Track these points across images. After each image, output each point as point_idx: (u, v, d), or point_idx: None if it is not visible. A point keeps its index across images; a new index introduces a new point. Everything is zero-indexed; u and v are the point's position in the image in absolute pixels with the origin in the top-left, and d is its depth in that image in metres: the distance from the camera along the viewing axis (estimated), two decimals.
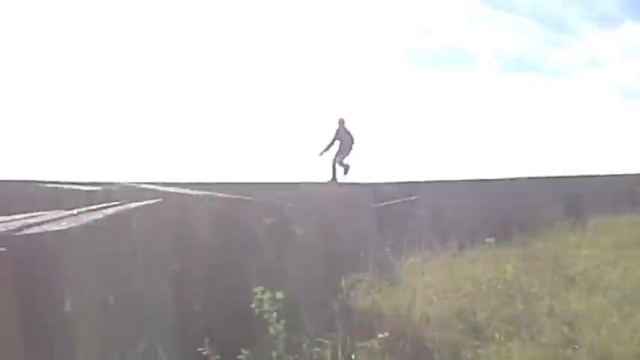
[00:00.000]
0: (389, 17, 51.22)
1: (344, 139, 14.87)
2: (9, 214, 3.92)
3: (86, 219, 3.26)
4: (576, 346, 5.40)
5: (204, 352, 3.88)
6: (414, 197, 12.38)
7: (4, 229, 2.90)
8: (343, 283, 6.50)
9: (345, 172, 14.94)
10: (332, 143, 14.72)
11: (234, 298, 4.76)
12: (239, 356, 4.08)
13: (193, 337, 4.18)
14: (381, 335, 4.46)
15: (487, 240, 9.09)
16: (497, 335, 5.61)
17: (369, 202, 10.89)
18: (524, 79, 50.62)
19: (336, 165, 14.68)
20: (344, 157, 14.77)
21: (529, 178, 17.88)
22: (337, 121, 15.00)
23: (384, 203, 11.42)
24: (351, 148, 14.86)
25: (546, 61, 52.15)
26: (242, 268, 5.04)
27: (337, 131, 14.89)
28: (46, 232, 2.77)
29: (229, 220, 5.07)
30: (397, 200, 11.92)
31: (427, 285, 6.87)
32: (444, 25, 50.61)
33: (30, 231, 2.87)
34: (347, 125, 15.08)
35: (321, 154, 14.57)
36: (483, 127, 46.55)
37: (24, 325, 2.54)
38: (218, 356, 3.94)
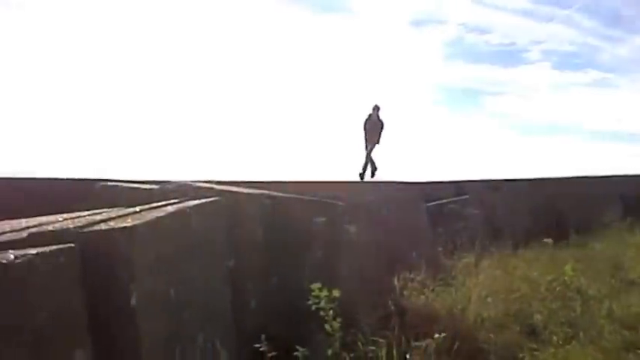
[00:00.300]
0: (439, 13, 50.56)
1: (374, 128, 14.63)
2: (72, 212, 4.08)
3: (149, 216, 3.35)
4: (639, 350, 5.23)
5: (262, 349, 3.92)
6: (465, 196, 12.21)
7: (72, 226, 3.02)
8: (396, 282, 6.48)
9: (373, 174, 14.76)
10: (367, 134, 14.59)
11: (288, 296, 4.80)
12: (295, 353, 4.11)
13: (250, 333, 4.24)
14: (437, 335, 4.43)
15: (545, 240, 8.87)
16: (554, 338, 5.48)
17: (420, 201, 10.78)
18: (576, 76, 49.18)
19: (370, 158, 14.59)
20: (373, 148, 14.58)
21: (586, 177, 17.38)
22: (372, 107, 14.76)
23: (436, 202, 11.30)
24: (380, 136, 14.65)
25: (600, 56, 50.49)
26: (296, 265, 5.08)
27: (371, 119, 14.66)
28: (113, 228, 2.86)
29: (283, 217, 5.10)
30: (448, 199, 11.78)
31: (481, 285, 6.76)
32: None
33: (97, 228, 2.98)
34: (380, 113, 14.87)
35: (367, 150, 14.63)
36: (537, 125, 45.42)
37: (91, 318, 2.63)
38: (274, 353, 3.97)
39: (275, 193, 5.80)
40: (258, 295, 4.73)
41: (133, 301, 2.78)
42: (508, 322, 5.95)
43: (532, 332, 5.79)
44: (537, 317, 6.03)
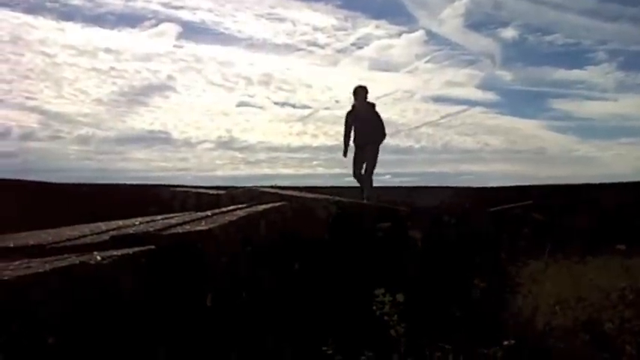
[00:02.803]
0: (499, 15, 49.60)
1: (365, 124, 9.42)
2: (145, 216, 4.25)
3: (221, 220, 3.46)
4: None
5: (329, 352, 3.96)
6: (529, 201, 11.93)
7: (151, 229, 3.15)
8: (460, 288, 6.40)
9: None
10: (358, 135, 9.43)
11: (352, 299, 4.82)
12: (361, 357, 4.13)
13: (315, 336, 4.29)
14: (506, 342, 4.35)
15: (618, 247, 8.54)
16: (628, 348, 5.28)
17: (483, 206, 10.61)
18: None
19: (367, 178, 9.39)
20: (372, 160, 9.37)
21: None
22: (355, 92, 9.63)
23: (499, 208, 11.09)
24: (381, 137, 9.49)
25: None
26: (360, 269, 5.10)
27: (358, 111, 9.49)
28: (189, 231, 2.97)
29: (347, 222, 5.15)
30: (512, 204, 11.54)
31: (549, 293, 6.60)
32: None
33: (173, 230, 3.10)
34: (370, 99, 9.64)
35: (345, 153, 9.54)
36: (602, 128, 43.81)
37: (171, 317, 2.74)
38: (340, 356, 4.00)
39: (339, 199, 5.86)
40: (323, 298, 4.78)
41: (209, 302, 2.88)
42: (577, 330, 5.77)
43: (603, 342, 5.59)
44: (609, 326, 5.82)
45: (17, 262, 2.47)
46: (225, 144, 38.33)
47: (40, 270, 2.04)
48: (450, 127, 42.46)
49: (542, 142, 41.43)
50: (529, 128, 43.83)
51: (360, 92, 9.67)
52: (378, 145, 9.55)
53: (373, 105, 9.76)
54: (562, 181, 14.94)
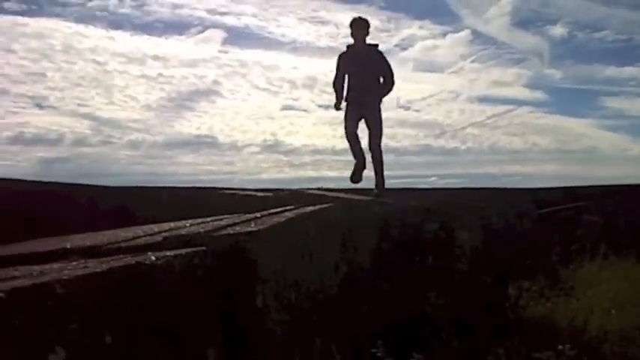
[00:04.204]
0: (547, 12, 48.50)
1: (365, 66, 7.19)
2: (194, 218, 4.31)
3: (270, 222, 3.48)
4: None
5: (378, 354, 3.93)
6: (581, 203, 11.60)
7: (202, 230, 3.19)
8: (511, 291, 6.27)
9: (362, 167, 6.99)
10: (353, 83, 7.22)
11: (401, 301, 4.78)
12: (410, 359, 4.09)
13: (364, 338, 4.27)
14: (560, 347, 4.23)
15: None
16: None
17: (532, 207, 10.38)
18: None
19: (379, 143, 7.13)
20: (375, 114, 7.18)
21: None
22: (351, 24, 7.28)
23: (549, 209, 10.82)
24: (388, 86, 7.27)
25: None
26: (409, 271, 5.05)
27: (354, 52, 7.28)
28: (240, 232, 3.00)
29: (395, 223, 5.11)
30: (563, 206, 11.24)
31: (604, 296, 6.39)
32: None
33: (224, 232, 3.13)
34: (370, 40, 7.38)
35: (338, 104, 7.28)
36: None
37: (221, 317, 2.77)
38: (390, 359, 3.97)
39: (386, 200, 5.82)
40: (371, 300, 4.75)
41: (259, 302, 2.89)
42: (635, 336, 5.57)
43: None
44: None
45: (74, 263, 2.54)
46: (271, 147, 38.67)
47: (98, 270, 2.08)
48: (496, 127, 41.82)
49: (593, 141, 40.37)
50: (579, 127, 42.78)
51: (358, 26, 7.15)
52: (380, 100, 7.18)
53: (376, 46, 7.33)
54: (614, 182, 14.47)
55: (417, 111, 41.11)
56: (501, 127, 41.86)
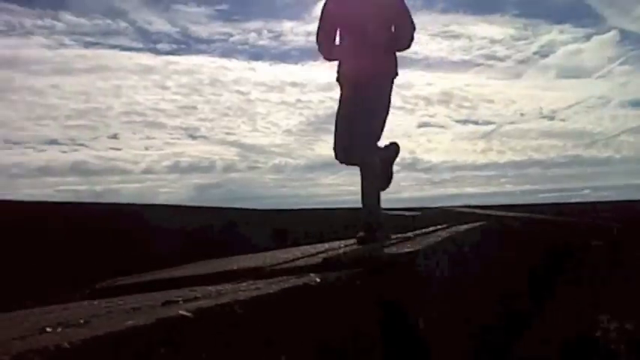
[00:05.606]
0: None
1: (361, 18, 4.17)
2: (347, 238, 4.36)
3: (425, 242, 3.43)
4: None
5: None
6: None
7: (360, 251, 3.23)
8: None
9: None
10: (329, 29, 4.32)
11: (567, 323, 4.48)
12: None
13: (526, 358, 4.05)
14: None
15: None
16: None
17: None
18: None
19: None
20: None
21: None
22: None
23: None
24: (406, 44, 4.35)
25: None
26: (575, 291, 4.73)
27: None
28: (398, 253, 2.98)
29: (556, 240, 4.82)
30: None
31: None
32: None
33: (381, 253, 3.13)
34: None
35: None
36: None
37: (384, 338, 2.76)
38: None
39: (540, 216, 5.52)
40: (533, 320, 4.51)
41: (421, 324, 2.85)
42: None
43: None
44: None
45: (244, 284, 2.67)
46: (410, 165, 38.47)
47: (270, 291, 2.17)
48: None
49: None
50: None
51: None
52: (390, 79, 4.27)
53: None
54: None
55: (563, 120, 38.87)
56: None
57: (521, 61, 39.79)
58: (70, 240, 6.01)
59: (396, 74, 4.29)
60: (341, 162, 4.19)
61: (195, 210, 7.80)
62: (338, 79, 4.30)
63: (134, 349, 1.46)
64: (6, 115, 29.63)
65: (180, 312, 1.71)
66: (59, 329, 1.60)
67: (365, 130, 4.07)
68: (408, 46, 4.36)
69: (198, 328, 1.73)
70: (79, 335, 1.41)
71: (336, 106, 4.30)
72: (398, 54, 4.35)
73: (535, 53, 40.58)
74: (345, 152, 4.14)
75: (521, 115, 37.11)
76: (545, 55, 39.58)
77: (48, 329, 1.61)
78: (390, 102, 4.19)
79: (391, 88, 4.22)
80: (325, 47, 4.34)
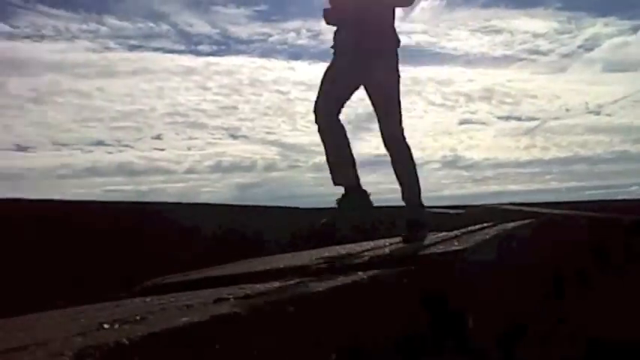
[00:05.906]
0: None
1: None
2: (391, 237, 4.33)
3: (472, 240, 3.38)
4: None
5: None
6: None
7: (408, 250, 3.20)
8: None
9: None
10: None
11: (617, 327, 4.35)
12: None
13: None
14: None
15: None
16: None
17: None
18: None
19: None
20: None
21: None
22: None
23: None
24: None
25: None
26: (619, 289, 4.59)
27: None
28: (446, 251, 2.94)
29: (601, 238, 4.69)
30: None
31: None
32: None
33: (429, 251, 3.09)
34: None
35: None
36: None
37: (432, 337, 2.73)
38: None
39: (588, 213, 5.38)
40: (578, 325, 4.40)
41: (470, 324, 2.80)
42: None
43: None
44: None
45: (292, 282, 2.67)
46: (451, 163, 37.97)
47: (320, 289, 2.17)
48: None
49: None
50: None
51: None
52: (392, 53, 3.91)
53: None
54: None
55: (609, 115, 37.73)
56: None
57: (566, 55, 38.75)
58: (111, 239, 6.11)
59: (399, 43, 3.90)
60: (320, 126, 4.08)
61: (234, 209, 7.88)
62: (335, 38, 4.02)
63: (190, 345, 1.48)
64: (54, 117, 30.53)
65: (234, 309, 1.72)
66: (116, 326, 1.63)
67: (393, 120, 4.00)
68: (410, 3, 3.85)
69: (250, 325, 1.74)
70: (137, 331, 1.43)
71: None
72: None
73: (579, 47, 39.46)
74: (329, 117, 4.09)
75: (566, 110, 36.22)
76: (589, 49, 38.44)
77: (105, 326, 1.64)
78: (399, 75, 3.92)
79: (397, 61, 3.91)
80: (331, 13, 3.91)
